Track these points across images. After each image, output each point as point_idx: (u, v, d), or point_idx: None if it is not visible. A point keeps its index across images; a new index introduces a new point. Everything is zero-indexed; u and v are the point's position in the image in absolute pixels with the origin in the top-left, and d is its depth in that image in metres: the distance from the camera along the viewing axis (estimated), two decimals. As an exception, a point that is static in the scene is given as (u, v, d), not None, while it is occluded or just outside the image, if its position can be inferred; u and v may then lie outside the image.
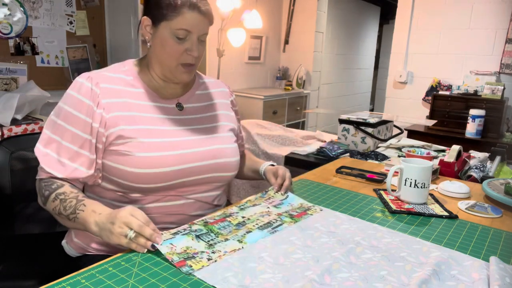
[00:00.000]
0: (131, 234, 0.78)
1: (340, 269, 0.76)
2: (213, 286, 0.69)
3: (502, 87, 3.10)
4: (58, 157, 0.93)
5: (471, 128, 3.07)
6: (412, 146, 1.78)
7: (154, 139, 0.97)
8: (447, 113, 3.27)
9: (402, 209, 1.07)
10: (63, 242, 1.08)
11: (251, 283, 0.70)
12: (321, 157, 1.85)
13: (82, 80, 0.96)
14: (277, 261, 0.78)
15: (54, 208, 0.90)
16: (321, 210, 1.05)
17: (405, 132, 3.20)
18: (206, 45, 1.05)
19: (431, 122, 3.00)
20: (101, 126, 0.94)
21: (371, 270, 0.76)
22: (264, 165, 1.22)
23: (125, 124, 0.95)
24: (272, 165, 1.22)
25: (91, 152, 0.94)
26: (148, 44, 1.03)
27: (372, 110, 6.73)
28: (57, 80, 2.55)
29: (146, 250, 0.80)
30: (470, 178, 1.45)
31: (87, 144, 0.94)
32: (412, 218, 1.04)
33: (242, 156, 1.31)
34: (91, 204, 0.87)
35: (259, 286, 0.69)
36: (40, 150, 0.94)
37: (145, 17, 1.00)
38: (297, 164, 1.87)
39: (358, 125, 1.92)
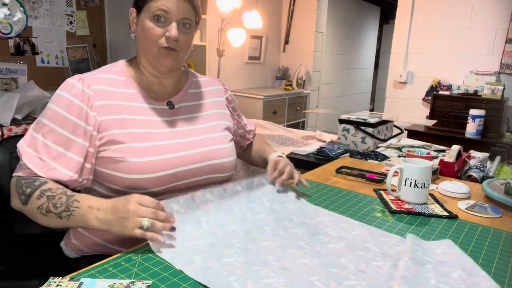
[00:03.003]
0: (147, 223, 0.76)
1: (348, 276, 0.74)
2: None
3: (502, 87, 3.10)
4: (40, 155, 0.89)
5: (471, 128, 3.07)
6: (412, 146, 1.78)
7: (146, 143, 0.95)
8: (447, 113, 3.27)
9: (402, 209, 1.07)
10: (62, 244, 1.08)
11: (253, 287, 0.69)
12: (321, 157, 1.85)
13: (74, 81, 0.93)
14: (282, 266, 0.76)
15: (40, 207, 0.84)
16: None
17: (405, 132, 3.21)
18: (192, 36, 1.01)
19: (431, 122, 2.99)
20: (95, 130, 0.91)
21: (380, 279, 0.73)
22: (273, 155, 1.19)
23: (116, 128, 0.93)
24: (281, 156, 1.19)
25: (79, 155, 0.90)
26: (133, 35, 1.01)
27: (372, 110, 6.72)
28: (57, 80, 2.52)
29: (162, 240, 0.77)
30: (470, 178, 1.45)
31: (76, 147, 0.90)
32: (412, 218, 1.04)
33: (252, 142, 1.34)
34: (84, 199, 0.84)
35: None
36: (23, 147, 0.90)
37: (132, 8, 0.99)
38: (297, 164, 1.86)
39: (358, 125, 1.92)
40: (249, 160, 1.36)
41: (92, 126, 0.91)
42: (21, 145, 0.91)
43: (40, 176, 0.89)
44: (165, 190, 0.97)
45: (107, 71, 1.00)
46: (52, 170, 0.89)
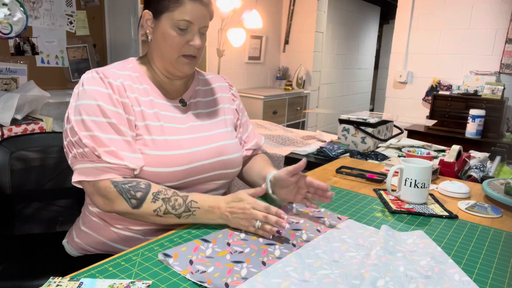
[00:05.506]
0: (258, 224, 0.85)
1: (322, 266, 0.76)
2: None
3: (502, 87, 3.10)
4: (110, 149, 0.88)
5: (471, 128, 3.07)
6: (412, 146, 1.78)
7: (163, 136, 0.96)
8: (447, 113, 3.27)
9: (402, 209, 1.07)
10: (64, 242, 1.08)
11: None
12: (321, 157, 1.85)
13: (99, 76, 0.94)
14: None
15: (158, 209, 0.87)
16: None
17: (405, 132, 3.21)
18: (206, 39, 1.04)
19: (431, 122, 3.00)
20: (135, 118, 0.95)
21: (352, 268, 0.75)
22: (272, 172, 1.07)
23: (137, 120, 0.95)
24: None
25: (135, 144, 0.94)
26: (149, 37, 1.02)
27: (372, 110, 6.73)
28: (57, 80, 2.54)
29: (271, 236, 0.85)
30: (470, 178, 1.45)
31: (129, 135, 0.93)
32: (412, 218, 1.04)
33: (255, 159, 1.21)
34: (201, 200, 0.90)
35: None
36: (93, 146, 0.88)
37: (146, 10, 0.99)
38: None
39: (358, 125, 1.92)
40: (244, 175, 1.22)
41: (131, 115, 0.94)
42: (89, 144, 0.87)
43: (130, 169, 0.90)
44: (178, 185, 0.97)
45: (121, 67, 1.00)
46: (132, 159, 0.90)
